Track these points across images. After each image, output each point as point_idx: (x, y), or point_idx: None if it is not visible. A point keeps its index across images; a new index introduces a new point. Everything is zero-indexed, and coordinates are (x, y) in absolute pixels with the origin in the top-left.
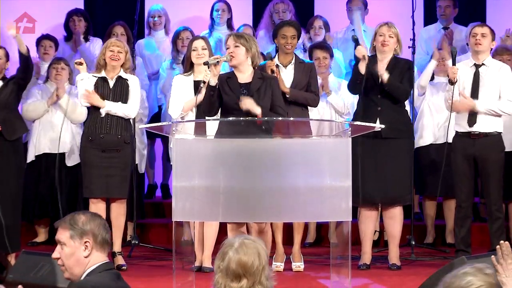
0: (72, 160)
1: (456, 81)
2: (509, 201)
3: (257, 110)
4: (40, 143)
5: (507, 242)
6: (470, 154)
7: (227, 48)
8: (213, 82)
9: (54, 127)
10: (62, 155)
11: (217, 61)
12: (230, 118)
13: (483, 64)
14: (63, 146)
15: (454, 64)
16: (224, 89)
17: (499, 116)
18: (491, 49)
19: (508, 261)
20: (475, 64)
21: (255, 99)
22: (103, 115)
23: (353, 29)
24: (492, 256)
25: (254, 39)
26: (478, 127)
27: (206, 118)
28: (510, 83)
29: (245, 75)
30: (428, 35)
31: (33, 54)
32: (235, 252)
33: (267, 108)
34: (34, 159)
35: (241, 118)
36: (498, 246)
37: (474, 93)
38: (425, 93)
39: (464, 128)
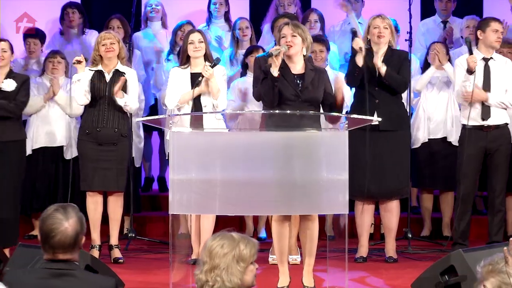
0: (69, 154)
1: (475, 71)
2: (508, 193)
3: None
4: (37, 137)
5: None
6: (481, 146)
7: (283, 37)
8: (276, 73)
9: (51, 121)
10: (60, 149)
11: (279, 52)
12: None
13: (491, 58)
14: (61, 140)
15: (471, 53)
16: (280, 79)
17: (506, 109)
18: None
19: None
20: (483, 58)
21: (311, 90)
22: (123, 103)
23: (349, 23)
24: (505, 247)
25: (308, 30)
26: (492, 120)
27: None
28: None
29: (297, 66)
30: (427, 28)
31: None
32: (210, 239)
33: (320, 100)
34: (31, 153)
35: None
36: (511, 239)
37: (486, 86)
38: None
39: (477, 121)
